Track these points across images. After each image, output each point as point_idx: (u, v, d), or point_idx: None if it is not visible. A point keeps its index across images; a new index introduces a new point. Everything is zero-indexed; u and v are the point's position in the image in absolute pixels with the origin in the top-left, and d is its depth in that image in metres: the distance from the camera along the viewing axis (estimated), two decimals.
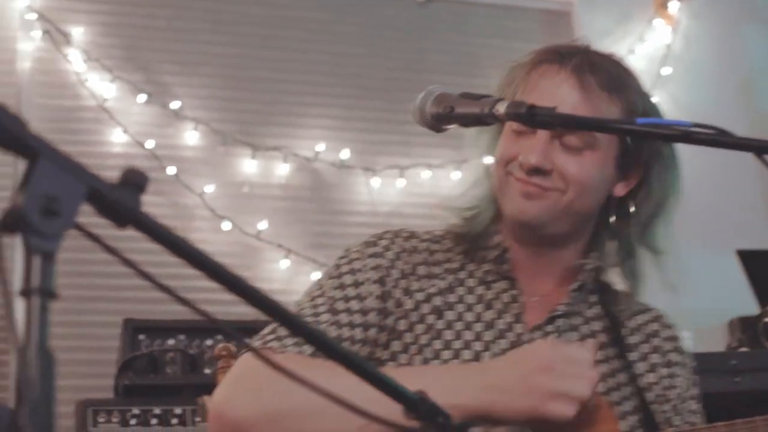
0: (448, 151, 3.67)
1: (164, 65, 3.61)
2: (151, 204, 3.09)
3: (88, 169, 0.96)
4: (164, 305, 3.03)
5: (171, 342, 3.06)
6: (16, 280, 0.91)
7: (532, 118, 1.47)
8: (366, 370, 1.06)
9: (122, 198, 1.00)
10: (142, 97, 3.52)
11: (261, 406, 1.47)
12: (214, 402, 1.53)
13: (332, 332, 1.57)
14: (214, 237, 3.49)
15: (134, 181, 1.02)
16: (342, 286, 1.61)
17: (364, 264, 1.63)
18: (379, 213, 3.69)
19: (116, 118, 3.47)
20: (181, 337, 3.07)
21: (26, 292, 0.92)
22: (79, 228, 0.98)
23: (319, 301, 1.61)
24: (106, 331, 3.23)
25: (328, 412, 1.23)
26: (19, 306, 0.91)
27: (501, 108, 1.47)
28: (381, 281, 1.62)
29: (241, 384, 1.52)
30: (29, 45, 3.42)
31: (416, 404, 1.05)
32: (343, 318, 1.58)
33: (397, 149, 3.78)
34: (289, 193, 3.67)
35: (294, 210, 3.67)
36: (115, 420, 2.82)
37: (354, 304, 1.59)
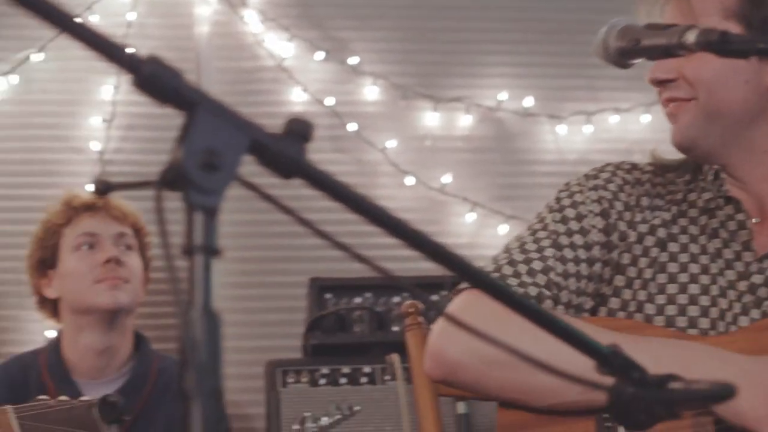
0: (636, 93, 3.50)
1: (340, 21, 3.57)
2: (333, 162, 3.09)
3: (249, 119, 0.91)
4: (350, 263, 3.01)
5: (358, 300, 3.04)
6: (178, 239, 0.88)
7: (725, 46, 1.35)
8: (556, 323, 0.99)
9: (286, 148, 0.94)
10: (319, 55, 3.50)
11: (475, 350, 1.46)
12: (431, 340, 1.52)
13: (558, 268, 1.53)
14: (398, 192, 3.45)
15: (298, 130, 0.95)
16: (564, 220, 1.56)
17: (586, 197, 1.58)
18: (566, 161, 3.57)
19: (295, 77, 3.46)
20: (368, 294, 3.05)
21: (189, 251, 0.88)
22: (242, 181, 0.94)
23: (541, 235, 1.56)
24: (293, 291, 3.24)
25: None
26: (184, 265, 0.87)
27: (690, 37, 1.35)
28: (604, 214, 1.56)
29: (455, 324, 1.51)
30: (206, 9, 3.43)
31: (608, 358, 0.98)
32: (568, 253, 1.54)
33: (582, 94, 3.63)
34: (472, 144, 3.59)
35: (478, 162, 3.58)
36: (304, 380, 2.82)
37: (577, 239, 1.55)
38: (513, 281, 1.51)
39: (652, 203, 1.58)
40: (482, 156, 3.60)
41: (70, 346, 2.63)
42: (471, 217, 3.51)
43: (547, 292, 1.52)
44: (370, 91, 3.53)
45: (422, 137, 3.55)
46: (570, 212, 1.57)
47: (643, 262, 1.55)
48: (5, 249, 3.15)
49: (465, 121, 3.58)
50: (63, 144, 3.29)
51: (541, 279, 1.52)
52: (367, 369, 2.83)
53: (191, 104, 0.88)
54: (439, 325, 1.52)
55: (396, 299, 3.04)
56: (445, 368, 1.50)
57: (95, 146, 3.27)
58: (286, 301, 3.28)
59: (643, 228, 1.56)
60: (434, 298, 2.81)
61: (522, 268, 1.53)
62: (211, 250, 0.88)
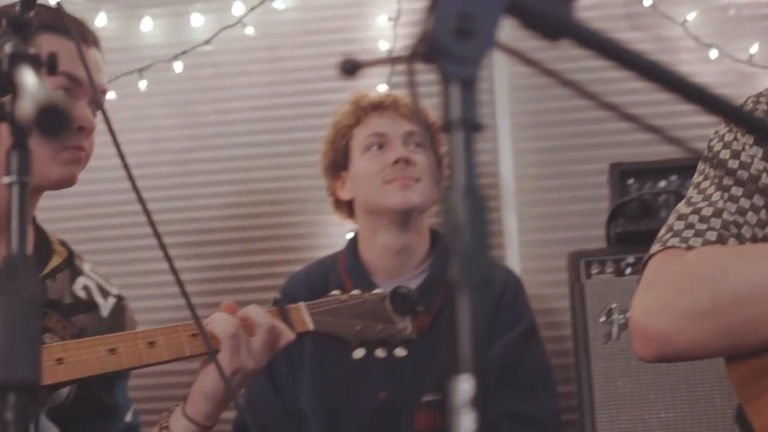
0: None
1: None
2: (630, 40, 2.88)
3: None
4: (652, 146, 2.86)
5: (662, 184, 2.87)
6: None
7: None
8: None
9: (551, 6, 0.84)
10: None
11: (679, 310, 1.42)
12: (632, 316, 1.47)
13: (730, 207, 1.49)
14: (702, 68, 3.22)
15: None
16: (722, 163, 1.54)
17: (736, 133, 1.55)
18: None
19: None
20: (673, 177, 2.87)
21: (447, 126, 0.80)
22: (504, 48, 0.84)
23: (705, 185, 1.54)
24: (594, 179, 3.11)
25: (759, 296, 1.31)
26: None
27: None
28: (759, 141, 1.53)
29: (654, 293, 1.46)
30: None
31: None
32: (736, 191, 1.51)
33: None
34: None
35: None
36: (609, 270, 2.71)
37: (741, 174, 1.52)
38: (688, 233, 1.48)
39: None
40: None
41: (366, 247, 2.63)
42: None
43: (726, 233, 1.47)
44: None
45: (725, 6, 3.29)
46: (725, 153, 1.55)
47: None
48: (302, 156, 3.21)
49: None
50: (351, 46, 3.28)
51: (715, 222, 1.48)
52: None
53: None
54: (635, 301, 1.48)
55: None
56: (657, 344, 1.44)
57: (383, 46, 3.25)
58: (587, 189, 3.16)
59: None
60: None
61: (693, 219, 1.50)
62: (472, 125, 0.79)
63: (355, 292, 2.03)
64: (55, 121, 0.61)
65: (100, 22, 3.21)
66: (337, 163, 2.65)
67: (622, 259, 2.72)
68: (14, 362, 0.96)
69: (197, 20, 3.27)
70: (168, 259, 1.49)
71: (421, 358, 2.02)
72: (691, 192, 1.56)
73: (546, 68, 0.86)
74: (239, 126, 3.27)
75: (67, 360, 1.77)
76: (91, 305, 2.03)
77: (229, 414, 2.57)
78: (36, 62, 1.00)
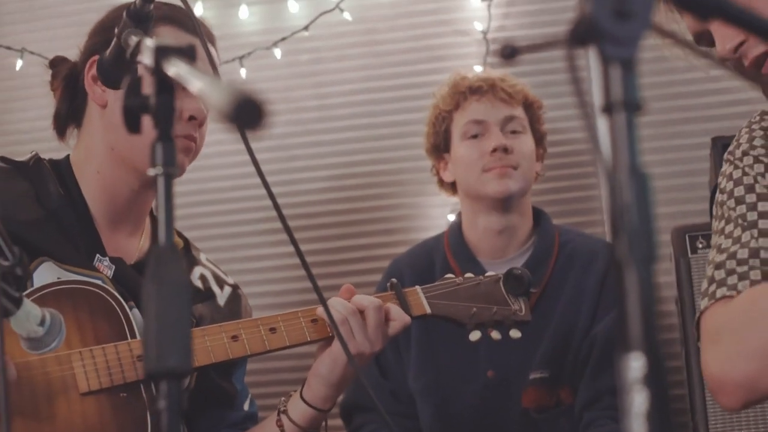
0: None
1: None
2: None
3: None
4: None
5: None
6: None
7: None
8: None
9: None
10: None
11: (755, 352, 1.40)
12: (709, 373, 1.45)
13: (764, 242, 1.47)
14: None
15: None
16: (739, 200, 1.53)
17: (743, 166, 1.56)
18: None
19: None
20: None
21: (608, 108, 0.81)
22: (659, 30, 0.85)
23: (729, 228, 1.52)
24: (696, 153, 3.08)
25: None
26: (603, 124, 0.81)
27: None
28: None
29: (723, 344, 1.44)
30: None
31: None
32: (763, 224, 1.49)
33: None
34: None
35: None
36: None
37: (763, 206, 1.51)
38: (732, 280, 1.45)
39: None
40: None
41: (469, 227, 2.65)
42: None
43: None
44: None
45: None
46: (739, 190, 1.53)
47: None
48: (401, 138, 3.23)
49: None
50: (447, 27, 3.29)
51: (754, 262, 1.46)
52: None
53: None
54: (704, 357, 1.46)
55: None
56: (744, 392, 1.41)
57: (478, 26, 3.25)
58: (690, 163, 3.13)
59: None
60: None
61: (731, 264, 1.48)
62: (633, 106, 0.80)
63: (469, 275, 2.04)
64: (254, 114, 0.62)
65: (197, 11, 3.26)
66: (439, 146, 2.67)
67: None
68: (166, 350, 0.97)
69: (293, 6, 3.30)
70: (294, 244, 1.52)
71: (527, 336, 2.03)
72: (718, 239, 1.53)
73: (700, 49, 0.87)
74: (339, 110, 3.30)
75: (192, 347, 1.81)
76: (208, 294, 2.07)
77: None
78: (186, 54, 1.01)
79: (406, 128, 3.20)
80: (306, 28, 3.28)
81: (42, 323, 1.45)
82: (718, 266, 1.50)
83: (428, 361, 2.56)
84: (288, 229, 1.49)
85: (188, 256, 2.10)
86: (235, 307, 2.10)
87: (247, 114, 0.63)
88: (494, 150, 2.54)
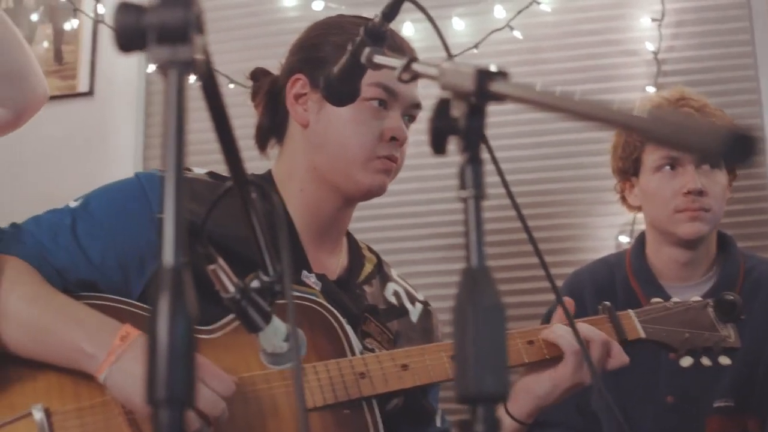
0: None
1: None
2: None
3: None
4: None
5: None
6: None
7: None
8: None
9: None
10: None
11: None
12: None
13: None
14: None
15: None
16: None
17: None
18: None
19: None
20: None
21: None
22: None
23: None
24: None
25: None
26: None
27: None
28: None
29: None
30: None
31: None
32: None
33: None
34: None
35: None
36: None
37: None
38: None
39: None
40: None
41: (654, 253, 2.61)
42: None
43: None
44: None
45: None
46: None
47: None
48: (569, 158, 3.20)
49: None
50: (615, 48, 3.26)
51: None
52: None
53: None
54: None
55: None
56: None
57: (649, 47, 3.22)
58: None
59: None
60: None
61: None
62: None
63: (675, 299, 2.01)
64: (745, 150, 0.61)
65: None
66: (627, 171, 2.62)
67: None
68: (483, 374, 0.95)
69: (458, 24, 3.30)
70: (539, 255, 1.50)
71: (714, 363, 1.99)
72: None
73: None
74: (506, 128, 3.28)
75: (412, 366, 1.81)
76: (402, 311, 2.07)
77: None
78: (502, 74, 1.00)
79: (574, 148, 3.17)
80: (476, 46, 3.28)
81: (287, 339, 1.45)
82: None
83: (610, 380, 2.53)
84: (533, 242, 1.47)
85: (381, 273, 2.10)
86: (427, 323, 2.10)
87: (738, 150, 0.61)
88: (688, 192, 2.49)
